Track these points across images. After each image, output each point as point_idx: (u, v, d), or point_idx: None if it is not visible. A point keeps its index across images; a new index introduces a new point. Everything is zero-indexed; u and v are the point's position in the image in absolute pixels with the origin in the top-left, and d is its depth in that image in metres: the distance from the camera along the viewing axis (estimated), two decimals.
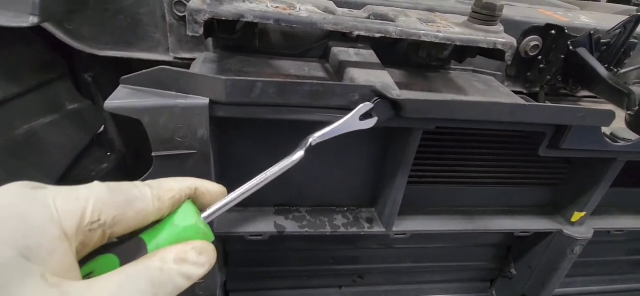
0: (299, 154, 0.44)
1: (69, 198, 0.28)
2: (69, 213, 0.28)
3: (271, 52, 0.72)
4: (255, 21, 0.52)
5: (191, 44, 0.69)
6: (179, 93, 0.49)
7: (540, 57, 0.78)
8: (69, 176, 0.63)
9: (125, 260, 0.30)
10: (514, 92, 0.84)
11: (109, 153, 0.76)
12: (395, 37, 0.56)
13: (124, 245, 0.32)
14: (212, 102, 0.50)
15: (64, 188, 0.29)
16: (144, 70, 0.49)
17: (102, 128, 0.76)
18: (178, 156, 0.52)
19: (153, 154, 0.51)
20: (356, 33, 0.56)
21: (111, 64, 0.70)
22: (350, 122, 0.48)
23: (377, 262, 0.91)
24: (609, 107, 0.69)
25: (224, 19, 0.51)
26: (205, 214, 0.37)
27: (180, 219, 0.34)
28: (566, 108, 0.55)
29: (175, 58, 0.70)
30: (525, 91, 0.85)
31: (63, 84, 0.65)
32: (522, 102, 0.67)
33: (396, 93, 0.53)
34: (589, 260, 0.98)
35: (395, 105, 0.51)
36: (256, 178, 0.41)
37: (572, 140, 0.61)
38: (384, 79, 0.57)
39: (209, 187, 0.38)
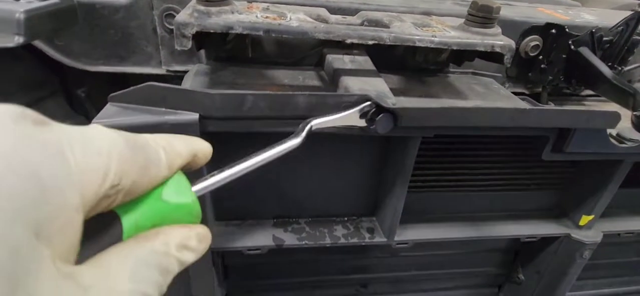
0: (298, 140, 0.40)
1: (88, 151, 0.21)
2: (89, 173, 0.20)
3: (265, 61, 0.70)
4: (245, 33, 0.50)
5: (184, 56, 0.68)
6: (169, 110, 0.48)
7: (541, 57, 0.76)
8: None
9: (92, 235, 0.23)
10: (515, 93, 0.82)
11: None
12: (389, 43, 0.55)
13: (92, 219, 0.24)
14: (202, 117, 0.48)
15: (75, 130, 0.21)
16: (131, 87, 0.48)
17: None
18: None
19: None
20: (349, 41, 0.54)
21: (104, 79, 0.69)
22: (351, 116, 0.46)
23: (381, 271, 0.89)
24: (614, 106, 0.67)
25: (212, 31, 0.50)
26: (196, 187, 0.30)
27: (171, 194, 0.28)
28: (569, 111, 0.53)
29: (168, 71, 0.69)
30: (526, 92, 0.83)
31: (55, 101, 0.64)
32: (524, 105, 0.65)
33: (391, 101, 0.51)
34: (599, 262, 0.95)
35: (392, 113, 0.49)
36: (252, 157, 0.36)
37: (576, 144, 0.59)
38: (379, 87, 0.56)
39: (206, 152, 0.32)
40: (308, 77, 0.68)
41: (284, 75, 0.67)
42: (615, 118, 0.55)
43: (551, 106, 0.78)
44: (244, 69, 0.67)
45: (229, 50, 0.68)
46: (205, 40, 0.62)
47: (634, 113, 0.57)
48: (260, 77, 0.66)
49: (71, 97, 0.70)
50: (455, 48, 0.56)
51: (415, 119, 0.50)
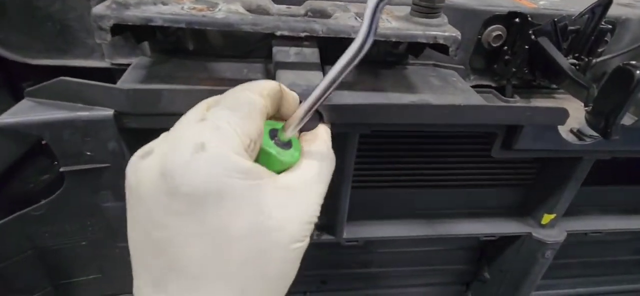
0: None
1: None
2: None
3: (212, 53, 0.68)
4: (165, 25, 0.48)
5: (127, 49, 0.66)
6: (84, 105, 0.47)
7: (505, 48, 0.72)
8: (3, 191, 0.61)
9: None
10: (480, 86, 0.79)
11: (56, 162, 0.74)
12: (321, 35, 0.52)
13: None
14: (118, 113, 0.47)
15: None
16: (45, 82, 0.47)
17: None
18: (91, 170, 0.50)
19: (61, 170, 0.49)
20: (279, 33, 0.52)
21: (50, 72, 0.68)
22: None
23: (343, 267, 0.88)
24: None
25: (130, 24, 0.48)
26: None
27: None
28: (510, 108, 0.50)
29: (112, 64, 0.67)
30: (493, 85, 0.79)
31: None
32: (476, 100, 0.62)
33: None
34: (573, 261, 0.92)
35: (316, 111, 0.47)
36: (327, 78, 0.31)
37: (525, 140, 0.56)
38: (313, 81, 0.53)
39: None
40: (253, 70, 0.66)
41: (228, 68, 0.65)
42: (562, 114, 0.52)
43: (516, 99, 0.74)
44: (186, 61, 0.65)
45: (174, 42, 0.66)
46: (144, 32, 0.60)
47: (585, 108, 0.54)
48: (202, 70, 0.64)
49: (17, 90, 0.69)
50: (394, 39, 0.54)
51: (342, 116, 0.48)
